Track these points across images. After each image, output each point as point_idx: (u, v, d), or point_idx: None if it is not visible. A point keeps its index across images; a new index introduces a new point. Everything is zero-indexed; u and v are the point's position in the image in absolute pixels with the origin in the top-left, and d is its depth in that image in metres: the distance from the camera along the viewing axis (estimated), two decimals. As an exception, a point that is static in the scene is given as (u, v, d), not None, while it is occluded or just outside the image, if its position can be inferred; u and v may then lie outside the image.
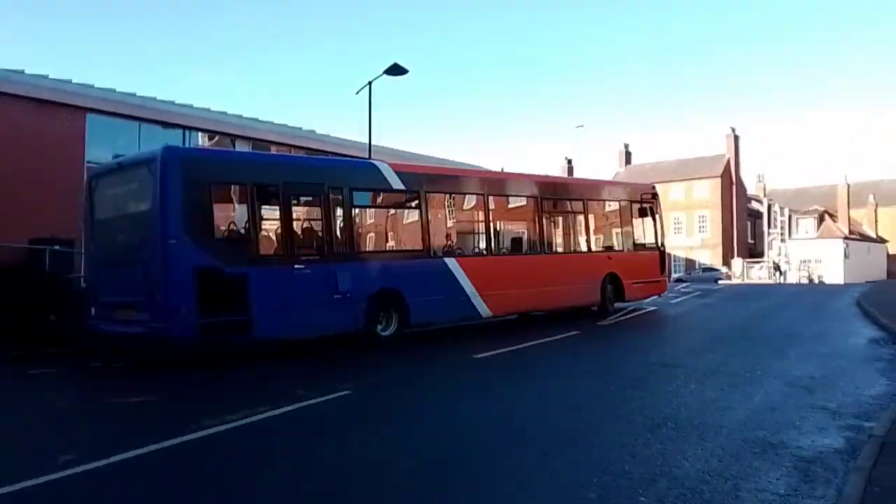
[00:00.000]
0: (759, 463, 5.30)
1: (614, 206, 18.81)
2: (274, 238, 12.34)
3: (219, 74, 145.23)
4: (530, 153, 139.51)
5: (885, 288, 27.17)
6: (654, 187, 20.44)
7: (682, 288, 28.17)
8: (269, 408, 7.43)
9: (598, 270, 17.21)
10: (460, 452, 5.88)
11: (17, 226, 16.29)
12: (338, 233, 12.77)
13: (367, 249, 13.94)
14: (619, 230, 18.71)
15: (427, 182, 14.45)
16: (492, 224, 15.33)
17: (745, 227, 68.82)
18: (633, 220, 18.67)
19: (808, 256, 59.36)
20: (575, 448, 5.88)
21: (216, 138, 23.29)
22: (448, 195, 15.48)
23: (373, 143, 23.42)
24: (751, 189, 72.51)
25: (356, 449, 6.08)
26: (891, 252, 70.24)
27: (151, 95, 20.48)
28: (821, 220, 66.11)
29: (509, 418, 7.04)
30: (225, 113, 22.34)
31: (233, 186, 12.13)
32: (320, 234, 12.32)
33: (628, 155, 73.65)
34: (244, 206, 11.82)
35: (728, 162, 66.08)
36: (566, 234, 17.85)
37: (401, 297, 13.03)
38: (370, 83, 22.61)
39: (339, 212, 12.83)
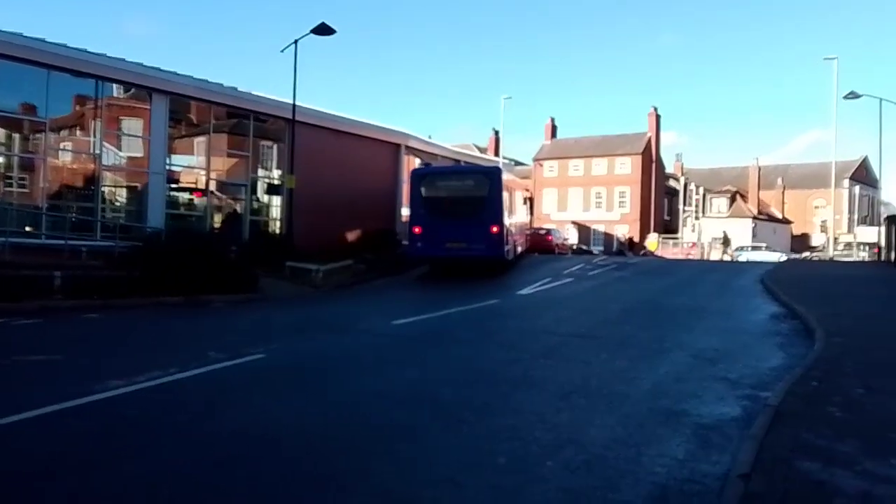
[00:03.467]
0: (661, 430, 5.52)
1: (525, 195, 31.33)
2: (508, 212, 22.51)
3: (149, 26, 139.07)
4: (459, 124, 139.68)
5: (787, 267, 28.54)
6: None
7: (600, 261, 28.86)
8: (178, 370, 7.29)
9: (527, 230, 31.65)
10: (373, 420, 5.89)
11: None
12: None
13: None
14: (526, 209, 31.11)
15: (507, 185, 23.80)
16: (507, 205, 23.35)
17: (662, 204, 70.92)
18: (526, 205, 31.27)
19: (720, 234, 61.81)
20: (487, 415, 5.96)
21: (132, 90, 22.31)
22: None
23: (297, 103, 22.99)
24: (669, 167, 74.71)
25: (263, 410, 6.02)
26: (795, 233, 73.84)
27: (62, 42, 19.37)
28: (732, 199, 68.94)
29: (424, 386, 7.09)
30: (141, 64, 21.31)
31: (505, 189, 22.39)
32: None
33: (554, 129, 74.48)
34: (508, 198, 22.85)
35: (649, 140, 67.71)
36: (521, 211, 28.39)
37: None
38: (296, 42, 22.11)
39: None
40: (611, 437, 5.31)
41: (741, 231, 61.62)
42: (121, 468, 4.64)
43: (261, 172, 26.74)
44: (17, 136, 20.39)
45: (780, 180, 76.65)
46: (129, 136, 22.84)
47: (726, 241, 53.88)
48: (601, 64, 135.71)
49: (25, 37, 18.43)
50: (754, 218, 65.58)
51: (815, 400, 6.17)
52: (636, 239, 61.83)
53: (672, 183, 72.02)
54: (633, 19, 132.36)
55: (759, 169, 72.11)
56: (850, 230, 61.84)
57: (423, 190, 21.93)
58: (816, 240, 66.09)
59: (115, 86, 21.71)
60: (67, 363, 8.24)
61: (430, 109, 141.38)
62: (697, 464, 4.77)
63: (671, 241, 59.76)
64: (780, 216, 75.21)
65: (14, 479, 4.46)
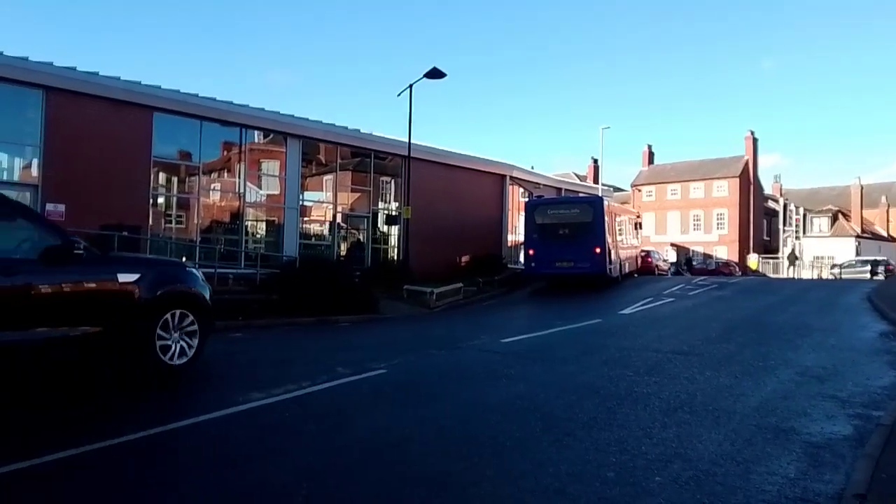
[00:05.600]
0: (770, 448, 5.16)
1: (636, 220, 33.27)
2: (610, 235, 23.96)
3: (287, 77, 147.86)
4: (559, 153, 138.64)
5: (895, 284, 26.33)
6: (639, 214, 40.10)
7: (700, 281, 27.65)
8: (310, 383, 7.53)
9: (637, 253, 32.44)
10: (485, 431, 5.82)
11: (89, 213, 16.67)
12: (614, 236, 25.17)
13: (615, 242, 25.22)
14: (637, 233, 32.79)
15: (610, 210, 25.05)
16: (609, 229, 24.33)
17: (760, 225, 67.37)
18: (638, 230, 33.43)
19: (822, 253, 57.98)
20: (594, 429, 5.77)
21: (270, 136, 23.51)
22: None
23: (412, 141, 23.46)
24: (767, 188, 70.98)
25: (385, 420, 6.07)
26: (901, 250, 68.23)
27: (212, 96, 20.73)
28: (834, 219, 64.55)
29: (532, 400, 6.95)
30: (278, 112, 22.50)
31: (608, 214, 23.98)
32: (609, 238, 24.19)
33: (651, 155, 72.53)
34: (610, 223, 24.25)
35: (746, 163, 64.67)
36: (630, 234, 30.15)
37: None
38: (411, 86, 22.62)
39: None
40: (718, 454, 5.00)
41: (844, 250, 57.59)
42: (265, 468, 4.79)
43: (380, 205, 27.47)
44: (174, 178, 21.90)
45: (883, 198, 71.24)
46: (268, 175, 24.09)
47: (792, 258, 50.25)
48: (700, 90, 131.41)
49: (182, 93, 19.88)
50: (857, 236, 61.15)
51: (933, 420, 5.61)
52: (736, 258, 58.92)
53: (771, 204, 68.32)
54: (734, 46, 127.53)
55: (861, 187, 67.39)
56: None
57: (536, 217, 23.93)
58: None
59: (256, 132, 22.98)
60: (216, 376, 8.66)
61: (532, 139, 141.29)
62: (809, 482, 4.41)
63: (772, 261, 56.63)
64: (884, 234, 69.77)
65: (180, 471, 4.69)
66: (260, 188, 23.99)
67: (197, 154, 20.99)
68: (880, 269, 44.63)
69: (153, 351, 7.66)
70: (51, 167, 17.15)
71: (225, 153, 22.80)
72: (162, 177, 21.28)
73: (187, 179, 21.89)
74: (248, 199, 22.52)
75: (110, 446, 5.21)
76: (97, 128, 17.97)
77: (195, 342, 8.16)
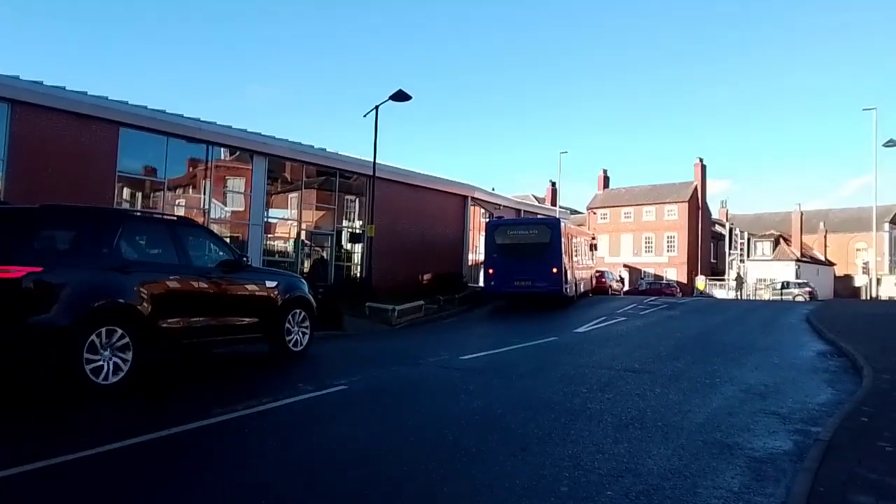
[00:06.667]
0: (716, 462, 5.24)
1: (592, 242, 33.54)
2: (567, 255, 24.17)
3: (265, 92, 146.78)
4: (518, 174, 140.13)
5: (832, 306, 27.19)
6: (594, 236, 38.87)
7: (650, 301, 28.09)
8: (271, 399, 7.40)
9: (592, 273, 32.89)
10: (444, 445, 5.79)
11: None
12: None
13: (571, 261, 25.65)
14: (592, 254, 33.02)
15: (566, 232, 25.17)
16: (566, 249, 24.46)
17: (708, 248, 68.98)
18: (593, 251, 33.74)
19: (764, 276, 59.53)
20: (549, 444, 5.79)
21: (237, 153, 23.25)
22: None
23: (377, 160, 23.46)
24: (715, 213, 72.79)
25: (345, 436, 6.00)
26: (837, 274, 70.51)
27: (179, 112, 20.42)
28: (776, 243, 66.45)
29: (490, 416, 6.94)
30: (245, 130, 22.29)
31: (564, 235, 24.05)
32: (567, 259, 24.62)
33: (607, 179, 73.84)
34: (567, 244, 24.43)
35: (695, 189, 66.26)
36: (585, 255, 30.46)
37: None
38: (377, 107, 22.65)
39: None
40: (667, 468, 5.06)
41: (785, 273, 59.24)
42: (231, 479, 4.70)
43: (345, 223, 27.33)
44: (139, 194, 21.47)
45: (821, 224, 73.76)
46: (233, 192, 23.79)
47: (739, 281, 52.22)
48: (653, 116, 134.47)
49: (149, 108, 19.57)
50: (797, 260, 62.99)
51: (866, 435, 5.78)
52: (685, 280, 60.13)
53: (718, 228, 70.16)
54: (692, 71, 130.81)
55: (802, 214, 69.65)
56: (892, 271, 58.93)
57: (496, 238, 23.96)
58: (859, 281, 62.86)
59: (222, 149, 22.69)
60: (178, 393, 8.46)
61: (496, 159, 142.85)
62: (752, 496, 4.49)
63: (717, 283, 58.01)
64: (822, 258, 72.06)
65: (159, 481, 4.55)
66: (225, 205, 23.66)
67: (162, 170, 20.64)
68: (815, 291, 47.34)
69: (282, 338, 10.36)
70: (14, 180, 16.66)
71: (190, 169, 22.44)
72: (126, 192, 20.84)
73: (152, 195, 21.48)
74: (212, 216, 22.17)
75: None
76: (62, 142, 17.55)
77: (307, 336, 10.92)
